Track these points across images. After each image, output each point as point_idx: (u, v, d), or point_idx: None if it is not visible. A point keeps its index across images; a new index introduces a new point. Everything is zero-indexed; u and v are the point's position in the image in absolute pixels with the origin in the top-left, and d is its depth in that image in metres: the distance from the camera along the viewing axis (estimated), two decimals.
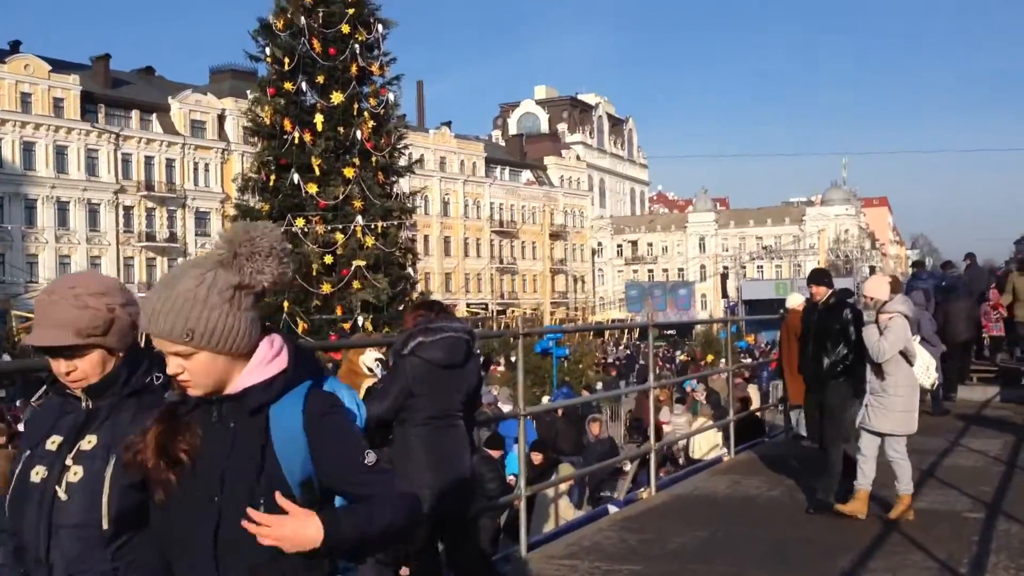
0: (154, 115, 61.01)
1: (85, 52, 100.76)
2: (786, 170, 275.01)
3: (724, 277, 77.52)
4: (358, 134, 26.91)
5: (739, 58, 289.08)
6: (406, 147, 30.82)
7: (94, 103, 57.60)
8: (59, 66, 56.15)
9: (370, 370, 15.49)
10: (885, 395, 6.49)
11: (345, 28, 26.84)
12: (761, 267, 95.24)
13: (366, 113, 27.46)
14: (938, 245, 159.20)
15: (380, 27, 28.07)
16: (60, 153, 55.59)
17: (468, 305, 78.00)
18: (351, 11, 26.98)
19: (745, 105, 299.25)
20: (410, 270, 29.31)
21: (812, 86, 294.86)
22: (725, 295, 76.83)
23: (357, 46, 27.06)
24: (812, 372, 7.04)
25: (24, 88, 53.88)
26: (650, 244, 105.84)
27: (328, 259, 26.63)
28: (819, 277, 7.30)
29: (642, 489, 7.46)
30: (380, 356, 16.14)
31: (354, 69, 27.05)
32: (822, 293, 7.09)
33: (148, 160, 60.13)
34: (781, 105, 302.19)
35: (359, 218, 26.71)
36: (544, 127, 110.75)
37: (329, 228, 26.77)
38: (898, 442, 6.54)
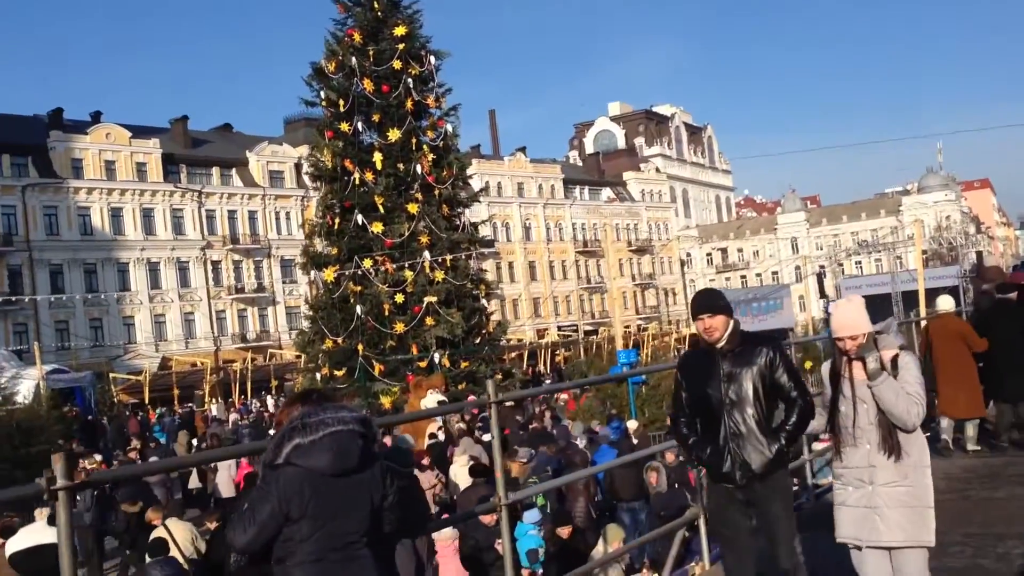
0: (233, 170, 62.38)
1: (164, 116, 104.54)
2: (877, 161, 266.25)
3: (820, 277, 74.89)
4: (418, 168, 26.53)
5: (814, 50, 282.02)
6: (470, 176, 30.30)
7: (176, 164, 59.17)
8: (139, 131, 57.92)
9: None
10: (900, 483, 4.16)
11: (397, 64, 26.56)
12: (860, 263, 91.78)
13: (425, 147, 27.08)
14: None
15: (432, 59, 27.69)
16: (147, 215, 57.18)
17: (559, 328, 77.06)
18: (401, 46, 26.68)
19: (827, 98, 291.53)
20: (484, 301, 28.67)
21: (896, 68, 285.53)
22: (823, 295, 74.16)
23: (410, 80, 26.74)
24: (734, 462, 4.37)
25: (108, 156, 55.66)
26: (740, 250, 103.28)
27: (399, 298, 26.19)
28: (709, 303, 4.50)
29: (693, 563, 6.15)
30: (442, 397, 15.32)
31: (409, 104, 26.73)
32: (719, 327, 4.41)
33: (231, 214, 61.39)
34: (864, 94, 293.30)
35: (426, 253, 26.24)
36: (621, 143, 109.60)
37: (397, 266, 26.34)
38: (917, 558, 4.16)
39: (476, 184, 77.21)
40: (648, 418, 16.24)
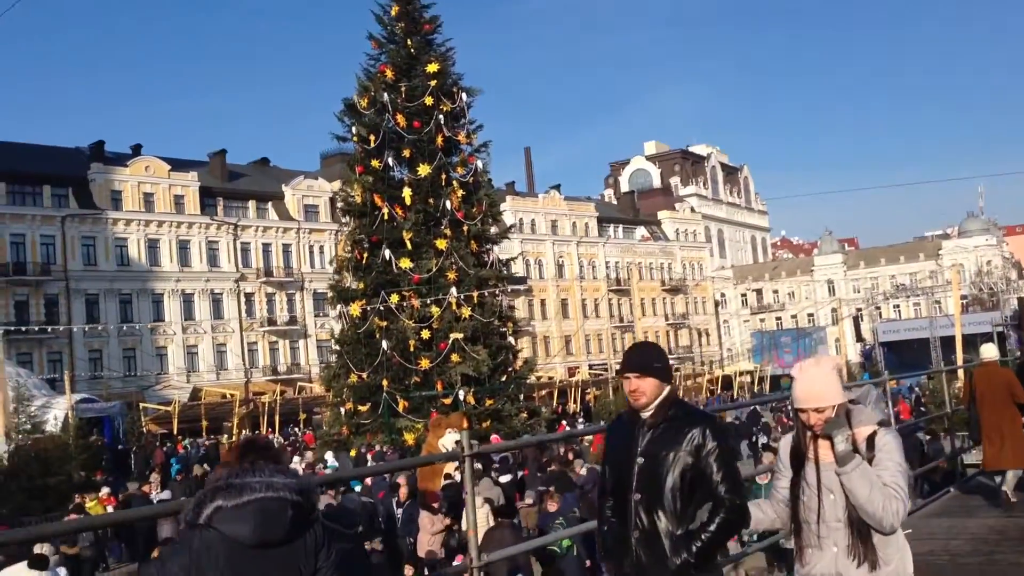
0: (269, 203, 62.99)
1: (203, 149, 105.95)
2: (918, 204, 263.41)
3: (857, 320, 73.88)
4: (447, 204, 26.53)
5: (853, 91, 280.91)
6: (501, 213, 30.25)
7: (213, 197, 59.88)
8: (178, 165, 58.76)
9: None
10: None
11: (428, 100, 26.69)
12: (898, 307, 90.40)
13: (455, 183, 27.10)
14: None
15: (464, 96, 27.79)
16: (183, 247, 57.79)
17: (590, 367, 76.53)
18: (433, 83, 26.80)
19: (866, 140, 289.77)
20: (511, 339, 28.42)
21: (939, 112, 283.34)
22: (860, 339, 73.01)
23: (441, 117, 26.85)
24: (633, 567, 3.43)
25: (146, 188, 56.47)
26: (775, 291, 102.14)
27: (425, 334, 26.09)
28: (640, 360, 3.60)
29: None
30: (459, 438, 14.97)
31: (440, 140, 26.80)
32: (648, 392, 3.52)
33: (266, 247, 61.88)
34: (906, 136, 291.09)
35: (453, 290, 26.10)
36: (656, 182, 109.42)
37: (424, 302, 26.23)
38: None
39: (509, 221, 77.63)
40: None
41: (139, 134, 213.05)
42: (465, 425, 16.24)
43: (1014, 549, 6.23)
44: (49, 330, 49.60)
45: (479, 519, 12.37)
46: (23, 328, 46.43)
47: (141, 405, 45.24)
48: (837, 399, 3.33)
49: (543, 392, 59.46)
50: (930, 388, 32.76)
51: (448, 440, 15.04)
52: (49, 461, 17.28)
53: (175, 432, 43.38)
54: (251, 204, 62.14)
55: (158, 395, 52.33)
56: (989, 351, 9.25)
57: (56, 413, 33.34)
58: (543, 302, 78.82)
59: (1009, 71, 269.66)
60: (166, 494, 15.62)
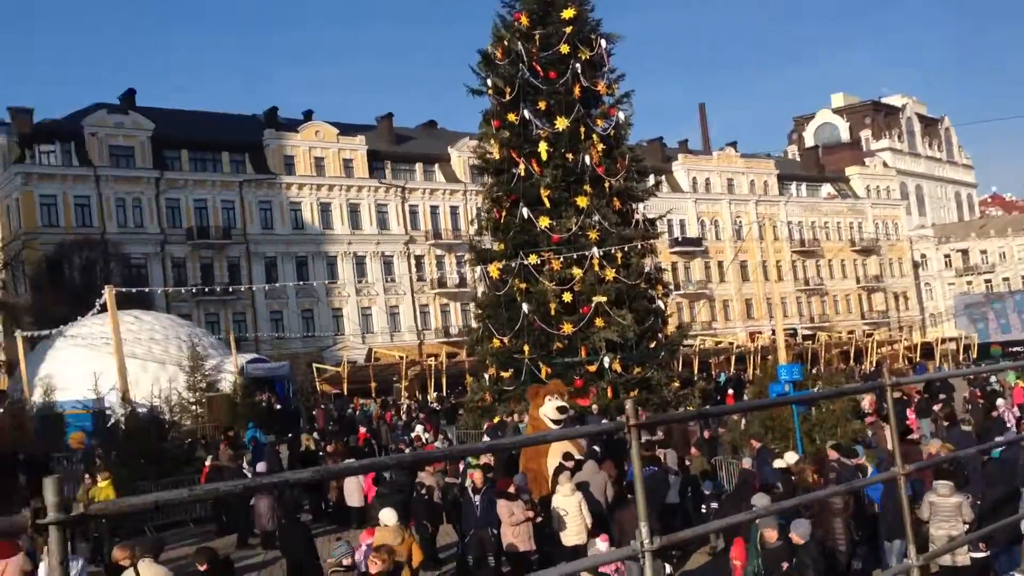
0: (436, 165, 63.21)
1: (373, 113, 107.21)
2: None
3: None
4: (587, 160, 24.83)
5: None
6: (644, 169, 28.23)
7: (380, 160, 60.70)
8: (346, 129, 59.86)
9: (555, 422, 13.06)
10: None
11: (564, 48, 25.05)
12: None
13: (595, 136, 25.32)
14: None
15: (604, 42, 25.90)
16: (353, 210, 58.96)
17: (772, 332, 72.81)
18: (569, 30, 25.12)
19: None
20: (660, 303, 26.51)
21: None
22: None
23: (579, 66, 25.13)
24: None
25: (317, 153, 57.91)
26: (983, 252, 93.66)
27: (567, 297, 24.67)
28: None
29: None
30: (563, 404, 13.53)
31: (577, 91, 25.13)
32: None
33: (433, 209, 62.23)
34: None
35: (595, 250, 24.48)
36: (845, 136, 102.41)
37: (565, 262, 24.79)
38: None
39: (682, 180, 74.56)
40: (818, 448, 13.52)
41: (311, 100, 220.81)
42: (563, 390, 14.73)
43: None
44: (242, 291, 51.78)
45: (568, 507, 10.92)
46: (205, 289, 48.78)
47: (315, 365, 46.49)
48: None
49: (720, 358, 56.81)
50: None
51: (549, 408, 13.67)
52: (161, 425, 17.27)
53: (345, 393, 44.20)
54: (418, 167, 62.59)
55: (335, 355, 53.74)
56: None
57: (228, 374, 34.45)
58: (720, 264, 75.58)
59: None
60: (261, 466, 14.99)
